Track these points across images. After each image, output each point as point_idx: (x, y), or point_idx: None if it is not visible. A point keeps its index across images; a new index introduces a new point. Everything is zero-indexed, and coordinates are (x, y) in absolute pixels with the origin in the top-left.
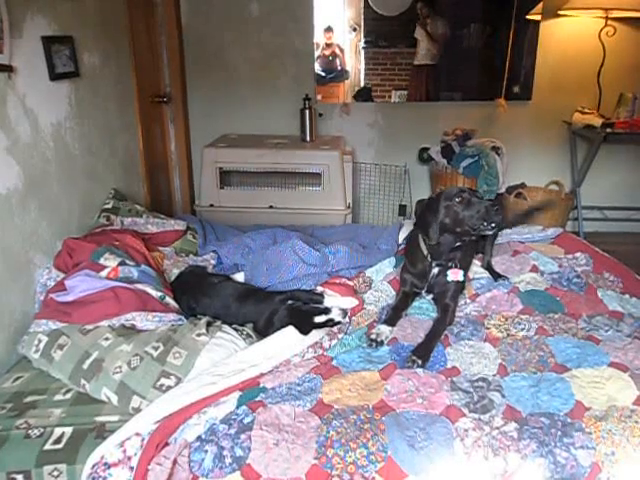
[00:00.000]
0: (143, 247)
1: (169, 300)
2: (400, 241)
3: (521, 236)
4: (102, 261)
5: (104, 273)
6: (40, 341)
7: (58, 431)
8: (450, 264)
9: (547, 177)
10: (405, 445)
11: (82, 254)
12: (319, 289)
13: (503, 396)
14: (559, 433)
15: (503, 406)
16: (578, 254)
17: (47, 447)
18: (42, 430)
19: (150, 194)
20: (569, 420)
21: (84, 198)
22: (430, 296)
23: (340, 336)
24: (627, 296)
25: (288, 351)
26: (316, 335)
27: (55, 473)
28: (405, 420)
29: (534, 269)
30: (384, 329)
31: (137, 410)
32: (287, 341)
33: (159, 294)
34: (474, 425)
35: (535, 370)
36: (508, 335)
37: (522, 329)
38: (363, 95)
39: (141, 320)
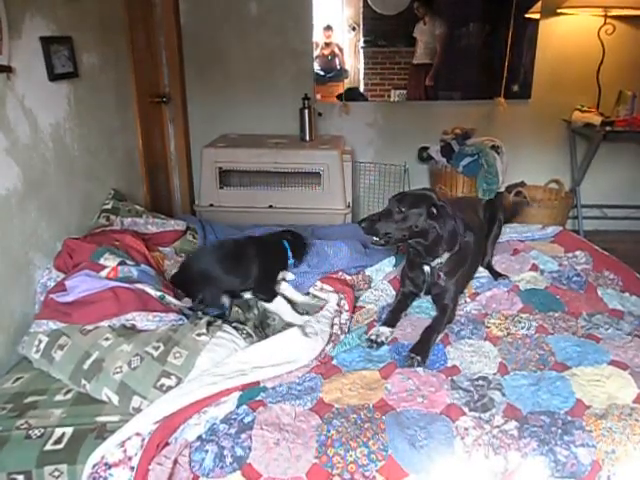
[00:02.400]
0: (143, 247)
1: (169, 299)
2: None
3: (521, 235)
4: (102, 261)
5: (104, 273)
6: (40, 341)
7: (59, 431)
8: (435, 266)
9: (547, 176)
10: (406, 444)
11: (82, 254)
12: (318, 284)
13: (503, 395)
14: (559, 431)
15: (503, 405)
16: (578, 252)
17: (48, 447)
18: (43, 430)
19: (150, 194)
20: (569, 418)
21: (83, 198)
22: (429, 297)
23: (341, 336)
24: (627, 294)
25: (294, 364)
26: (322, 343)
27: (56, 473)
28: (405, 419)
29: (534, 268)
30: (384, 330)
31: (138, 410)
32: (295, 350)
33: (159, 294)
34: (474, 424)
35: (535, 369)
36: (508, 334)
37: (522, 328)
38: (353, 95)
39: (141, 320)
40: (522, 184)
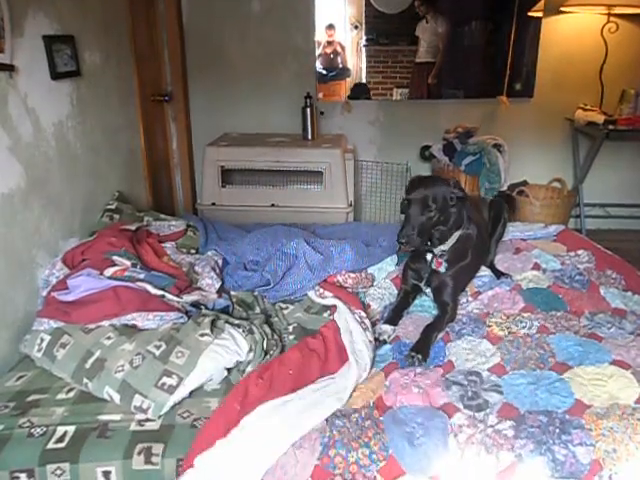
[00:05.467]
0: (155, 258)
1: (170, 297)
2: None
3: (523, 233)
4: (114, 258)
5: (110, 271)
6: (42, 340)
7: (61, 430)
8: (437, 253)
9: (549, 174)
10: (405, 442)
11: (95, 252)
12: (319, 291)
13: (501, 393)
14: (557, 430)
15: (500, 403)
16: (580, 251)
17: (50, 446)
18: (45, 429)
19: (152, 193)
20: (567, 417)
21: (86, 197)
22: (429, 289)
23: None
24: (630, 293)
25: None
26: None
27: (58, 472)
28: (403, 416)
29: (536, 267)
30: (386, 328)
31: (139, 409)
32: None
33: (160, 292)
34: (470, 422)
35: (535, 367)
36: (510, 333)
37: (524, 327)
38: (358, 91)
39: (142, 320)
40: (524, 183)
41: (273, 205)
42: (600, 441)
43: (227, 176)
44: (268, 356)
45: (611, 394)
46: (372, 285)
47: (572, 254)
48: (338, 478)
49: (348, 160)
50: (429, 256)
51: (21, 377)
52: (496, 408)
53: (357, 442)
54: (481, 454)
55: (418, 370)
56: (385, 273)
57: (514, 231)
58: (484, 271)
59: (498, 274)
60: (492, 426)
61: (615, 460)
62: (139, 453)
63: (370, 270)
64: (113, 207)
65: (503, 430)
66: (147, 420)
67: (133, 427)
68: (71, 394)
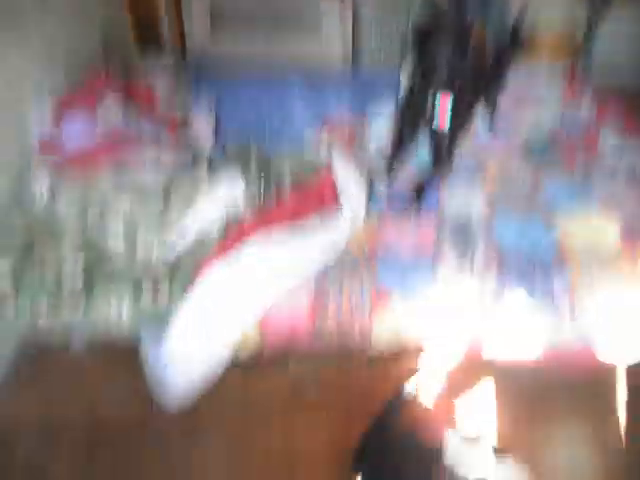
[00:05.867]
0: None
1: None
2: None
3: (527, 81)
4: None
5: (103, 111)
6: (42, 194)
7: (71, 260)
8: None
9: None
10: (396, 277)
11: (87, 99)
12: (316, 137)
13: (490, 237)
14: (540, 269)
15: (487, 246)
16: (582, 97)
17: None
18: (56, 260)
19: (136, 27)
20: (550, 258)
21: (70, 37)
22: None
23: None
24: (626, 138)
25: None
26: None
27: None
28: (395, 257)
29: (536, 116)
30: (382, 167)
31: (143, 255)
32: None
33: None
34: (458, 258)
35: (524, 210)
36: (503, 178)
37: (518, 174)
38: None
39: (139, 168)
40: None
41: (267, 52)
42: (578, 277)
43: (218, 20)
44: (263, 204)
45: (595, 239)
46: (370, 129)
47: (574, 101)
48: (332, 307)
49: None
50: (430, 100)
51: (24, 225)
52: (482, 250)
53: (350, 279)
54: (466, 279)
55: (411, 217)
56: (384, 118)
57: (517, 78)
58: (481, 121)
59: (495, 125)
60: (480, 263)
61: (590, 293)
62: (147, 292)
63: (369, 114)
64: (99, 52)
65: (488, 266)
66: (151, 264)
67: (139, 272)
68: (78, 241)
